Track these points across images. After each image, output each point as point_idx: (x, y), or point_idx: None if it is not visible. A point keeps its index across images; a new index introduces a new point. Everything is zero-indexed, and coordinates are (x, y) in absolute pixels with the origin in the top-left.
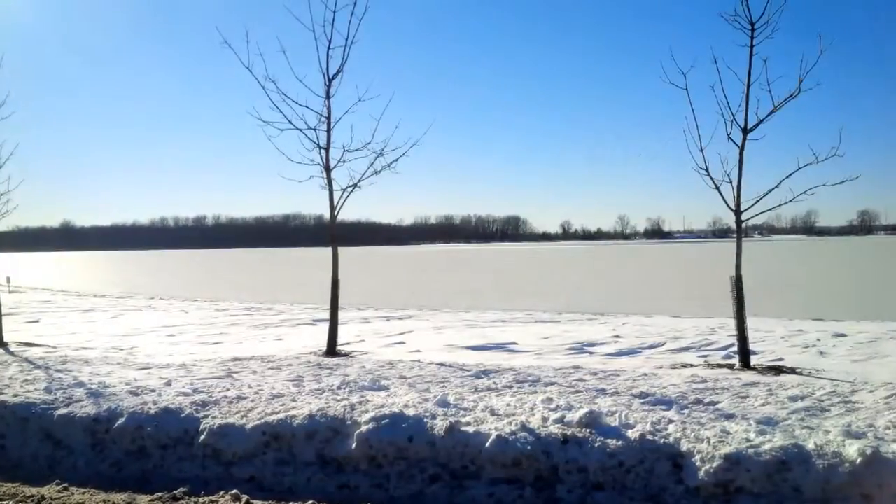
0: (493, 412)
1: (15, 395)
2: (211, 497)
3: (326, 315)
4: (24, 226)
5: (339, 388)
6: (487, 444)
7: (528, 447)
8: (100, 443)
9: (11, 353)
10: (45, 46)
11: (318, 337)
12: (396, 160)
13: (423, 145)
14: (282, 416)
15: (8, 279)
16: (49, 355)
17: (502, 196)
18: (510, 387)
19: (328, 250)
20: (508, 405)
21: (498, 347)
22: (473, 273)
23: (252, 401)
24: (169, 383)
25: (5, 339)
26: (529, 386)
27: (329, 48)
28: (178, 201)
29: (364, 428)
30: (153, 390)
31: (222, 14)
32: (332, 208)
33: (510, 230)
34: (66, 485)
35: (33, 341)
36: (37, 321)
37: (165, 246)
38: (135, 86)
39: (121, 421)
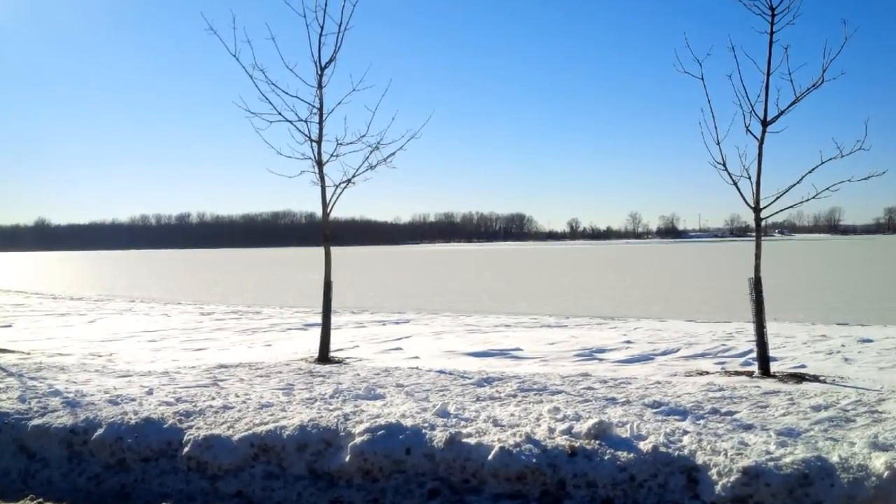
0: (496, 423)
1: None
2: None
3: (318, 319)
4: None
5: (331, 396)
6: (490, 457)
7: (534, 460)
8: (77, 455)
9: None
10: (16, 32)
11: (310, 342)
12: (393, 154)
13: (422, 138)
14: (271, 426)
15: None
16: (23, 362)
17: (506, 193)
18: (514, 396)
19: (320, 250)
20: (512, 415)
21: (501, 354)
22: (475, 274)
23: (239, 410)
24: (150, 392)
25: None
26: (535, 395)
27: (321, 35)
28: (160, 198)
29: (358, 439)
30: (134, 399)
31: None
32: (325, 205)
33: (514, 229)
34: (41, 500)
35: (6, 347)
36: (9, 326)
37: (147, 246)
38: (113, 75)
39: (99, 432)
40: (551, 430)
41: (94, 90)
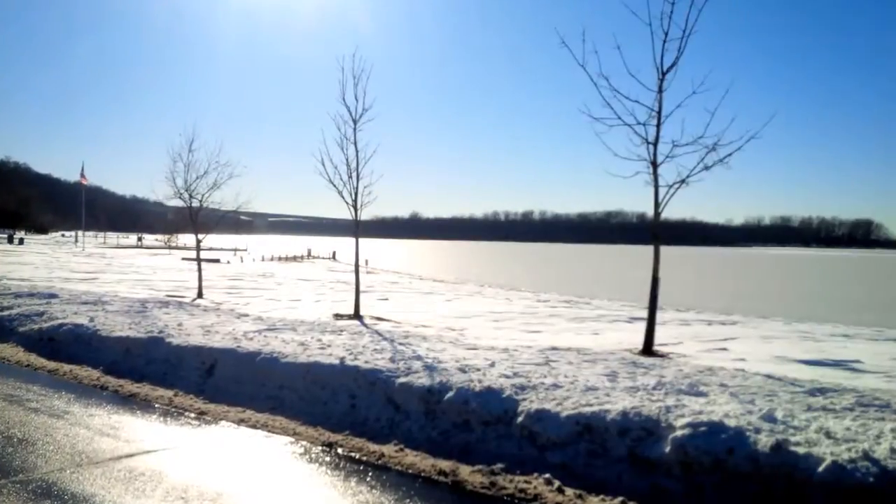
0: (828, 435)
1: (366, 362)
2: (525, 477)
3: (643, 313)
4: (381, 216)
5: (654, 388)
6: (820, 469)
7: (871, 479)
8: (431, 412)
9: (365, 325)
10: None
11: (634, 335)
12: (730, 155)
13: (762, 138)
14: (595, 408)
15: (366, 261)
16: (394, 329)
17: (852, 194)
18: (851, 409)
19: (649, 248)
20: (848, 429)
21: (837, 364)
22: (810, 281)
23: (567, 390)
24: (492, 364)
25: (361, 313)
26: (876, 411)
27: (665, 41)
28: (508, 197)
29: (679, 433)
30: (479, 369)
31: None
32: (657, 205)
33: (860, 235)
34: (402, 446)
35: (382, 316)
36: (386, 299)
37: (495, 238)
38: (473, 83)
39: (450, 394)
40: (894, 451)
41: (456, 96)
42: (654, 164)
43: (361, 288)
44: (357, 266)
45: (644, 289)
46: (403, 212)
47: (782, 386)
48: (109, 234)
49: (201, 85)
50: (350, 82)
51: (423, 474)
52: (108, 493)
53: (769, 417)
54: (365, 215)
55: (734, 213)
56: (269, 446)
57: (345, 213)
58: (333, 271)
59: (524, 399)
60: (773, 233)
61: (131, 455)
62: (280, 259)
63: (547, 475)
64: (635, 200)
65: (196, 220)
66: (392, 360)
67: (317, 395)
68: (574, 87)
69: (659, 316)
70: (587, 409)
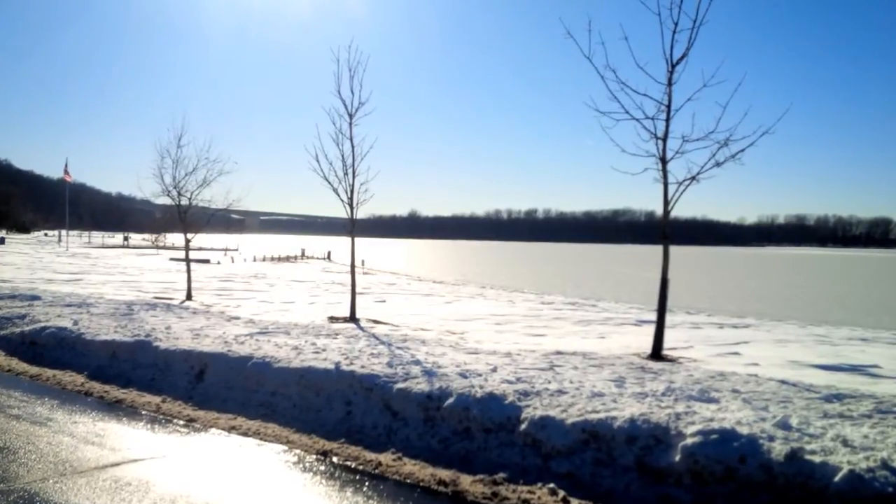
0: (845, 443)
1: (363, 367)
2: (529, 487)
3: (651, 316)
4: (378, 214)
5: (663, 394)
6: (837, 479)
7: (890, 489)
8: (431, 419)
9: (362, 329)
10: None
11: (643, 338)
12: (743, 150)
13: (775, 133)
14: (602, 416)
15: (362, 262)
16: (392, 333)
17: (870, 192)
18: (869, 416)
19: (657, 248)
20: (866, 437)
21: (854, 369)
22: (826, 282)
23: (572, 396)
24: (494, 370)
25: (357, 316)
26: (895, 418)
27: (675, 32)
28: (511, 194)
29: (689, 440)
30: (480, 375)
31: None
32: (666, 203)
33: (878, 234)
34: (400, 454)
35: (380, 319)
36: (383, 301)
37: (498, 237)
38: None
39: (450, 401)
40: None
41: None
42: (664, 161)
43: (358, 289)
44: (353, 267)
45: (652, 290)
46: (401, 210)
47: (797, 392)
48: (94, 233)
49: (190, 78)
50: (345, 74)
51: (422, 484)
52: None
53: (783, 425)
54: (361, 214)
55: (747, 212)
56: (261, 455)
57: (340, 212)
58: (328, 272)
59: (528, 405)
60: (787, 232)
61: (117, 464)
62: (273, 259)
63: (551, 485)
64: (644, 198)
65: (185, 218)
66: (389, 364)
67: (311, 401)
68: (580, 80)
69: (668, 319)
70: (593, 416)
